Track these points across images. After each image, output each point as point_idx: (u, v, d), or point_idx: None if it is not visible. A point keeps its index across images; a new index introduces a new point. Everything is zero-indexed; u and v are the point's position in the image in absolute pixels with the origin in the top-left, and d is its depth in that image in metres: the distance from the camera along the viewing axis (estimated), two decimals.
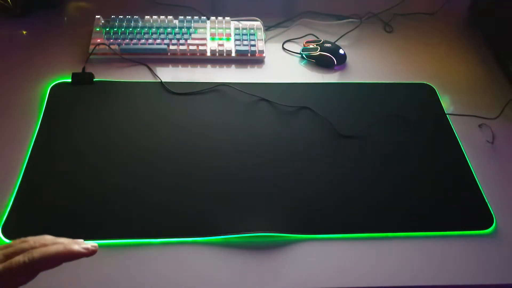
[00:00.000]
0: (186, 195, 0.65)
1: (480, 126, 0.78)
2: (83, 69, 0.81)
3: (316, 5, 0.99)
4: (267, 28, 0.93)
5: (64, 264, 0.57)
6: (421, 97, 0.82)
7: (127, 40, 0.85)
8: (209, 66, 0.86)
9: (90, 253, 0.44)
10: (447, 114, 0.79)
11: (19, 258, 0.40)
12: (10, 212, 0.61)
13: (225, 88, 0.80)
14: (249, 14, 0.93)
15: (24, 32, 0.89)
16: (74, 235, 0.59)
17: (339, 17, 0.98)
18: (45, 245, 0.42)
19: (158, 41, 0.86)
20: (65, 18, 0.94)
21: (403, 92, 0.83)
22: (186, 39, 0.87)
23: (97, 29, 0.87)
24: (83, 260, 0.57)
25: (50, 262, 0.41)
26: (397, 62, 0.89)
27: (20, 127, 0.72)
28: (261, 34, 0.90)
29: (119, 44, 0.85)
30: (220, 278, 0.58)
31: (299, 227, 0.63)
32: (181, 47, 0.86)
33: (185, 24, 0.89)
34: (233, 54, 0.87)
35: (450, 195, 0.68)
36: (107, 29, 0.87)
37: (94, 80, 0.80)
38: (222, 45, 0.87)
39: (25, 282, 0.41)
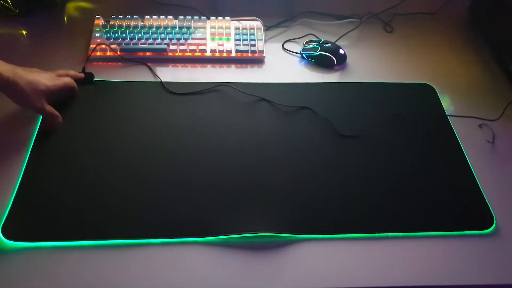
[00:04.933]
0: (186, 195, 0.65)
1: (480, 126, 0.78)
2: (83, 69, 0.81)
3: (316, 5, 0.99)
4: (267, 28, 0.93)
5: (65, 264, 0.57)
6: (421, 97, 0.82)
7: (127, 40, 0.85)
8: (209, 66, 0.86)
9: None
10: (448, 115, 0.79)
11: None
12: (10, 212, 0.61)
13: (225, 88, 0.80)
14: (249, 14, 0.93)
15: (24, 32, 0.89)
16: (74, 235, 0.60)
17: (339, 17, 0.98)
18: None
19: (158, 41, 0.86)
20: (65, 18, 0.94)
21: (403, 92, 0.83)
22: (186, 39, 0.87)
23: (97, 29, 0.87)
24: (84, 259, 0.58)
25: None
26: (397, 62, 0.89)
27: (20, 127, 0.72)
28: (261, 34, 0.90)
29: (119, 44, 0.85)
30: (220, 278, 0.58)
31: (299, 227, 0.63)
32: (181, 47, 0.86)
33: (185, 24, 0.89)
34: (233, 54, 0.87)
35: (450, 195, 0.68)
36: (107, 29, 0.87)
37: (94, 80, 0.80)
38: (222, 45, 0.87)
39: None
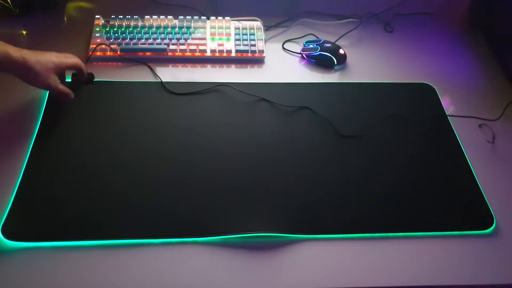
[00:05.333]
0: (186, 195, 0.65)
1: (480, 126, 0.78)
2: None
3: (316, 5, 0.99)
4: (267, 28, 0.93)
5: (65, 264, 0.57)
6: (421, 97, 0.82)
7: (127, 40, 0.85)
8: (209, 66, 0.86)
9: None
10: (448, 115, 0.79)
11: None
12: (10, 212, 0.61)
13: (225, 88, 0.80)
14: (249, 14, 0.93)
15: (24, 32, 0.89)
16: (74, 235, 0.60)
17: (339, 17, 0.98)
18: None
19: (158, 41, 0.86)
20: (65, 18, 0.94)
21: (403, 92, 0.83)
22: (186, 39, 0.87)
23: (97, 29, 0.87)
24: (84, 259, 0.58)
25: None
26: (397, 62, 0.89)
27: (20, 127, 0.72)
28: (261, 34, 0.90)
29: (119, 44, 0.85)
30: (220, 278, 0.58)
31: (299, 227, 0.63)
32: (181, 47, 0.86)
33: (185, 24, 0.89)
34: (233, 54, 0.87)
35: (450, 195, 0.68)
36: (107, 29, 0.87)
37: (94, 80, 0.80)
38: (222, 45, 0.87)
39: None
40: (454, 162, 0.72)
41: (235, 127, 0.74)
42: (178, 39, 0.87)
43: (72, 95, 0.74)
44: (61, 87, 0.72)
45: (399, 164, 0.71)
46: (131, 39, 0.85)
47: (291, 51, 0.90)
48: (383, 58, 0.90)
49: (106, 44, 0.84)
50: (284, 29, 0.95)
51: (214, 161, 0.69)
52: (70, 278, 0.57)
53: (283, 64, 0.88)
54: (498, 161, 0.73)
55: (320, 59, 0.87)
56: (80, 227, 0.61)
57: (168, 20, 0.89)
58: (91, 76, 0.80)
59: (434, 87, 0.84)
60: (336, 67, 0.87)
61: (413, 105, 0.80)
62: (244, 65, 0.87)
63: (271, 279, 0.58)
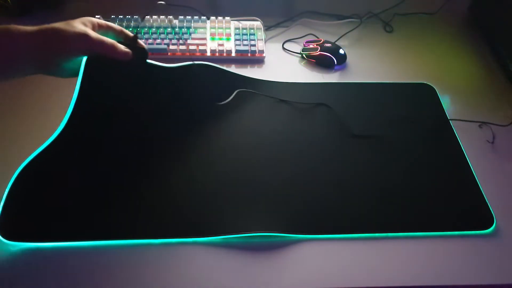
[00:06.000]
0: (186, 195, 0.65)
1: (480, 126, 0.78)
2: (135, 38, 0.67)
3: (316, 5, 0.99)
4: (267, 28, 0.94)
5: (65, 264, 0.57)
6: (421, 97, 0.82)
7: None
8: None
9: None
10: (450, 120, 0.78)
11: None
12: (10, 212, 0.61)
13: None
14: (249, 14, 0.93)
15: None
16: (74, 235, 0.60)
17: (339, 17, 0.98)
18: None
19: (158, 41, 0.86)
20: (65, 18, 0.94)
21: (403, 92, 0.83)
22: (186, 39, 0.87)
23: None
24: (84, 259, 0.58)
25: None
26: (397, 62, 0.89)
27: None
28: (261, 34, 0.90)
29: None
30: (220, 278, 0.58)
31: (299, 227, 0.63)
32: (181, 47, 0.86)
33: (185, 24, 0.89)
34: (233, 54, 0.87)
35: (450, 195, 0.68)
36: None
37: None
38: (222, 45, 0.87)
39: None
40: (454, 162, 0.72)
41: (234, 125, 0.74)
42: (178, 39, 0.87)
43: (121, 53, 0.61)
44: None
45: (398, 164, 0.71)
46: None
47: (291, 51, 0.90)
48: (383, 58, 0.90)
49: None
50: (284, 29, 0.95)
51: (214, 160, 0.69)
52: (70, 278, 0.56)
53: (283, 64, 0.88)
54: (498, 161, 0.73)
55: (320, 59, 0.87)
56: (80, 227, 0.61)
57: (168, 20, 0.89)
58: (145, 53, 0.67)
59: (434, 87, 0.84)
60: (336, 67, 0.87)
61: (413, 105, 0.80)
62: (244, 65, 0.87)
63: (271, 279, 0.58)
